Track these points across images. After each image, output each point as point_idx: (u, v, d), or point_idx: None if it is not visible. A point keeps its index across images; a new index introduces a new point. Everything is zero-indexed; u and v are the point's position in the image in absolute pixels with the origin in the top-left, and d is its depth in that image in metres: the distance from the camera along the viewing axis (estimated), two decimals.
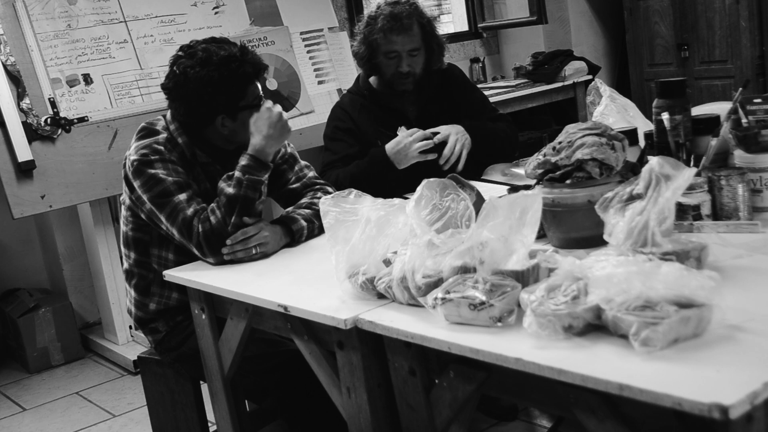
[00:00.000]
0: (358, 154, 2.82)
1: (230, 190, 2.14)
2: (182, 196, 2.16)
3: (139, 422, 3.19)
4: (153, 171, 2.17)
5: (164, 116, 2.32)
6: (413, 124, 2.85)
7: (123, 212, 2.33)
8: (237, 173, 2.17)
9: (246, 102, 2.24)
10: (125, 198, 2.30)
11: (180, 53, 2.24)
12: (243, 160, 2.18)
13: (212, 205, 2.17)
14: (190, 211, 2.15)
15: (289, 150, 2.44)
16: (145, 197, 2.18)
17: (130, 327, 3.89)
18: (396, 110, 2.88)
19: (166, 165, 2.19)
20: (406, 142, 2.70)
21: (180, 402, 2.43)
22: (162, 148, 2.21)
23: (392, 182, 2.66)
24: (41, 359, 3.90)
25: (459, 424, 1.57)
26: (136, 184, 2.20)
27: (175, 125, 2.27)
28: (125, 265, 2.38)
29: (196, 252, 2.15)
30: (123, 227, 2.35)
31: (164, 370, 2.44)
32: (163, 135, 2.24)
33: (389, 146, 2.72)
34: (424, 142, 2.70)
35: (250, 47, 2.29)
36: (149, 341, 2.42)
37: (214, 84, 2.17)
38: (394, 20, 2.75)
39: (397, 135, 2.75)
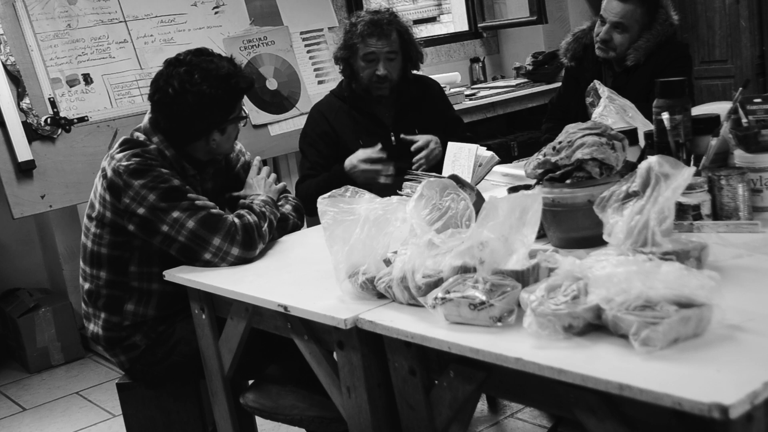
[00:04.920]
0: (329, 160, 2.88)
1: (255, 211, 2.22)
2: (194, 195, 2.13)
3: None
4: (156, 172, 2.11)
5: (140, 130, 2.23)
6: (389, 129, 2.94)
7: (93, 229, 2.20)
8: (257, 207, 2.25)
9: (235, 115, 2.24)
10: (101, 213, 2.17)
11: (172, 68, 2.16)
12: (259, 197, 2.31)
13: (240, 211, 2.19)
14: (215, 209, 2.13)
15: (246, 158, 2.47)
16: (150, 196, 2.08)
17: None
18: (373, 115, 2.94)
19: (164, 169, 2.14)
20: (358, 164, 2.75)
21: (178, 421, 2.33)
22: (154, 156, 2.16)
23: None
24: (41, 359, 3.90)
25: (459, 424, 1.56)
26: (135, 185, 2.08)
27: (159, 138, 2.20)
28: (88, 285, 2.24)
29: (217, 242, 2.07)
30: (91, 245, 2.21)
31: (156, 392, 2.29)
32: (153, 146, 2.18)
33: (346, 163, 2.78)
34: (370, 166, 2.74)
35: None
36: (120, 363, 2.28)
37: (216, 100, 2.15)
38: (373, 26, 2.83)
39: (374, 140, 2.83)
